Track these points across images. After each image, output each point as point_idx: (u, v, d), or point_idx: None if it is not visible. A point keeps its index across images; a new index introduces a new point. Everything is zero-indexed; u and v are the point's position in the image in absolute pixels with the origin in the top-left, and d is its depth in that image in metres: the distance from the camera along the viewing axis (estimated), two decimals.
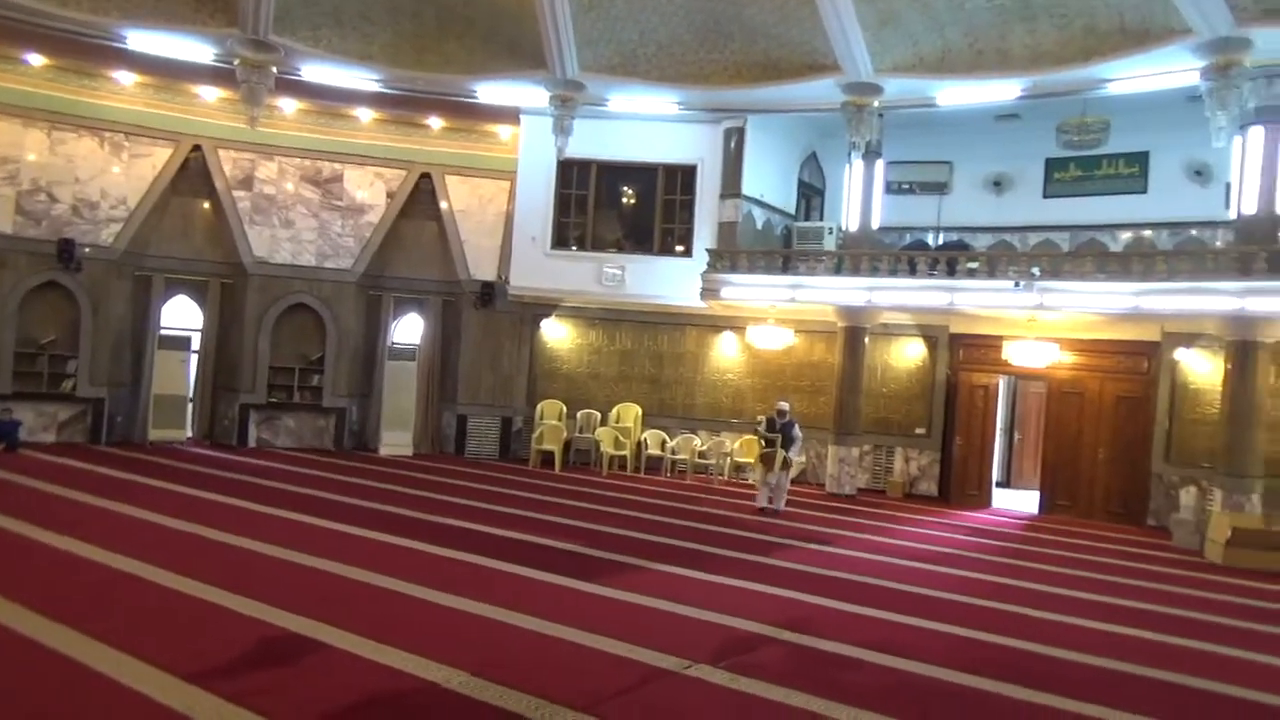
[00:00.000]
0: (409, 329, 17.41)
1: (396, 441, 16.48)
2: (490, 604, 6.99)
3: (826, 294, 14.39)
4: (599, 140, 15.82)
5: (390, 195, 16.73)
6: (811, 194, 17.39)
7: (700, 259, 15.30)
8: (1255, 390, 11.87)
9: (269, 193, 16.26)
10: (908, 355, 15.47)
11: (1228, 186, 13.02)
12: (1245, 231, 12.13)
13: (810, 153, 17.14)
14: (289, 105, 15.92)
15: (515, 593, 7.47)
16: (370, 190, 16.69)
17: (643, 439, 16.13)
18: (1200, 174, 14.30)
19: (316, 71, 14.28)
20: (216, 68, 13.95)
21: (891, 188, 16.15)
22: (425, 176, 16.78)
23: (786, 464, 12.51)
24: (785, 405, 12.97)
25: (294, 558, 8.16)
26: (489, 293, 16.61)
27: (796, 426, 12.70)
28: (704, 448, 15.92)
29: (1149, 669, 6.58)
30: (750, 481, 14.51)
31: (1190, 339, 13.22)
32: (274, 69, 13.57)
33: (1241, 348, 11.90)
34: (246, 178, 16.12)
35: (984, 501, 14.77)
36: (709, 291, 14.95)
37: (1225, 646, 7.35)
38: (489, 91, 15.08)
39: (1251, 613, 8.64)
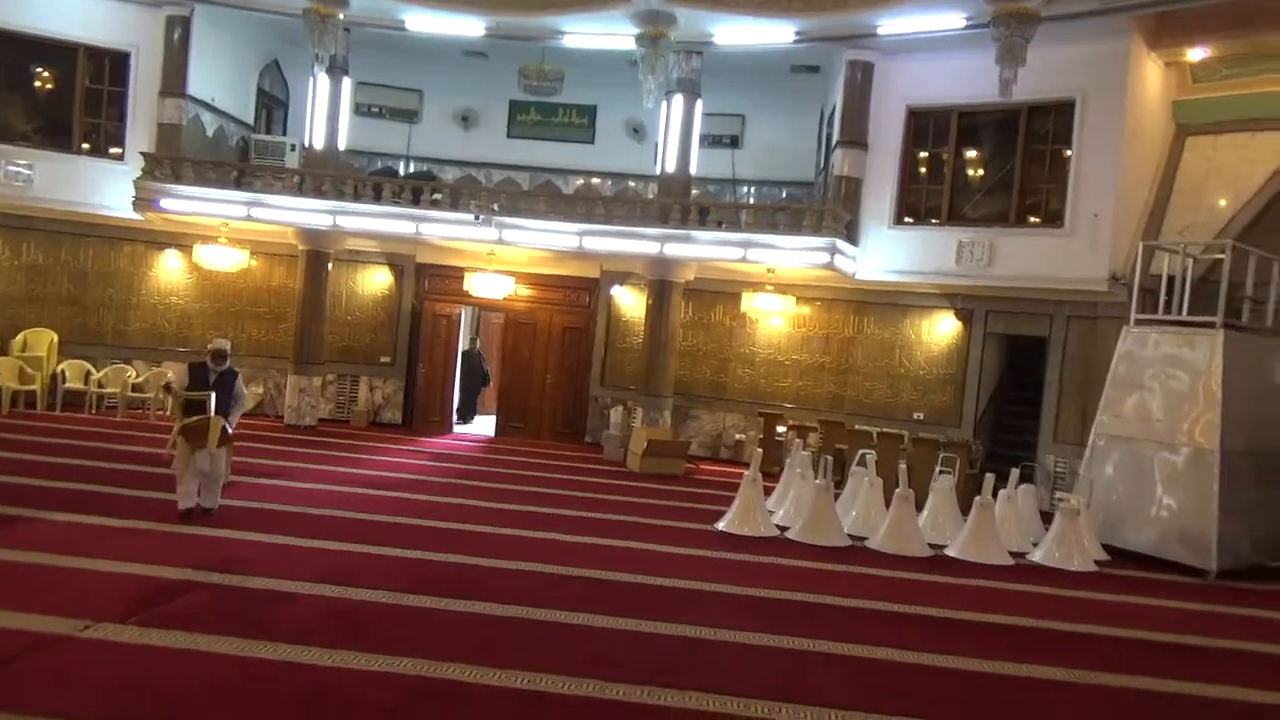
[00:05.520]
0: None
1: None
2: None
3: (287, 214, 13.45)
4: None
5: None
6: (273, 105, 16.07)
7: (135, 164, 13.27)
8: (670, 323, 13.83)
9: None
10: (374, 283, 15.22)
11: (656, 145, 14.83)
12: (667, 186, 13.95)
13: (272, 60, 15.77)
14: None
15: None
16: None
17: (60, 371, 13.67)
18: (637, 131, 16.13)
19: None
20: None
21: (361, 109, 15.68)
22: None
23: (226, 437, 8.08)
24: (225, 345, 8.43)
25: None
26: None
27: (240, 380, 8.50)
28: (140, 380, 14.01)
29: (574, 568, 7.30)
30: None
31: (623, 277, 14.95)
32: None
33: (660, 286, 13.75)
34: None
35: (445, 428, 15.27)
36: (144, 202, 13.07)
37: (637, 542, 8.48)
38: None
39: (656, 510, 10.11)
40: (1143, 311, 10.32)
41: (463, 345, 16.37)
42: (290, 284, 14.56)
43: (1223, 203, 11.74)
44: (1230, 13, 11.15)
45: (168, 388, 8.59)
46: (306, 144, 14.49)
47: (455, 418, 15.99)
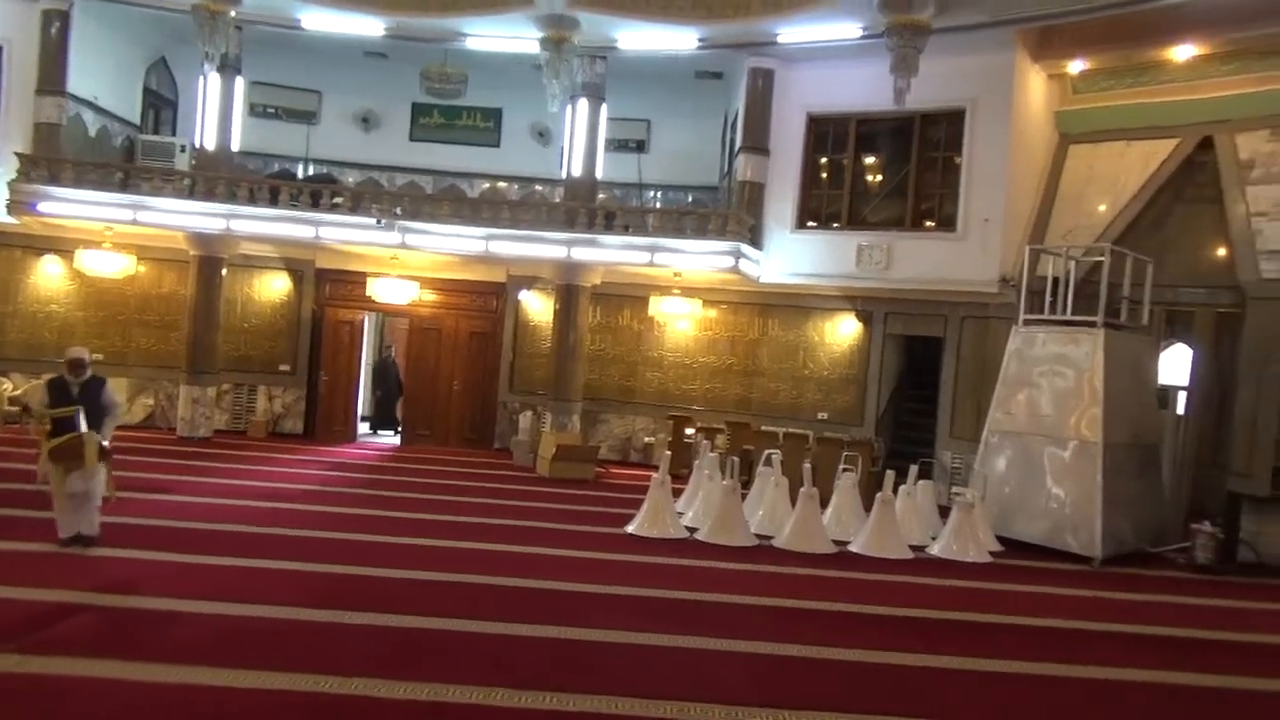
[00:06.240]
0: None
1: None
2: None
3: (176, 218, 12.95)
4: None
5: None
6: (161, 105, 15.43)
7: (9, 165, 12.58)
8: (578, 327, 13.80)
9: None
10: (273, 289, 14.74)
11: (562, 149, 14.78)
12: (573, 190, 13.92)
13: (160, 58, 15.14)
14: None
15: None
16: None
17: None
18: (543, 135, 16.05)
19: None
20: None
21: (256, 110, 15.20)
22: None
23: (104, 453, 7.26)
24: (84, 354, 7.60)
25: None
26: None
27: (109, 387, 7.66)
28: (18, 393, 13.22)
29: (482, 575, 7.20)
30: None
31: (530, 281, 14.84)
32: None
33: (568, 291, 13.71)
34: None
35: (349, 437, 14.89)
36: (19, 205, 12.42)
37: (547, 547, 8.41)
38: None
39: (566, 515, 10.06)
40: (1030, 312, 10.78)
41: (378, 353, 16.03)
42: (181, 290, 13.98)
43: (1102, 208, 12.36)
44: (1106, 28, 11.77)
45: (27, 410, 7.78)
46: (197, 145, 13.95)
47: (371, 428, 15.78)
